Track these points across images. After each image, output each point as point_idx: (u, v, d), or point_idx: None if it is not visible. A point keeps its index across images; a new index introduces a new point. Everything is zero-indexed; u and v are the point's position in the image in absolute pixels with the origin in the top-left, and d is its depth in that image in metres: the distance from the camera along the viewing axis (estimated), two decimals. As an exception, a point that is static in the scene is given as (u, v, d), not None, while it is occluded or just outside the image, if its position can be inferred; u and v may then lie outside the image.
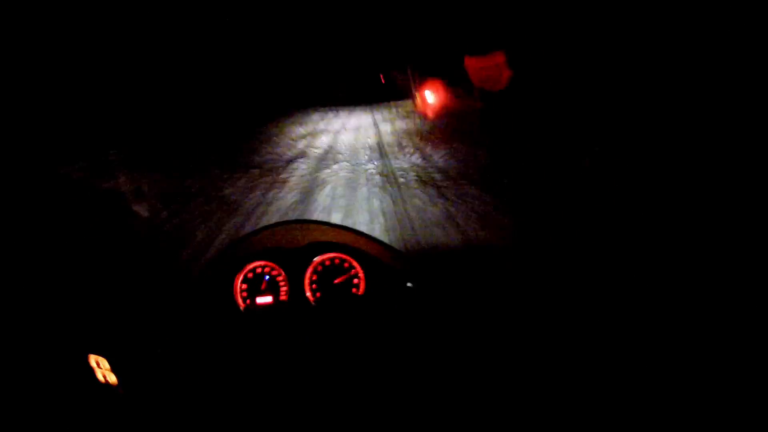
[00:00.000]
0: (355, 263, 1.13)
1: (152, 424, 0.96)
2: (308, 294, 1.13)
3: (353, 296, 1.13)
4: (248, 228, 2.99)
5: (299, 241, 1.17)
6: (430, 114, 10.79)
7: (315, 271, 1.15)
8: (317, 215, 3.30)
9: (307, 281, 1.14)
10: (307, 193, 3.93)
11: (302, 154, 6.11)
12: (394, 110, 13.45)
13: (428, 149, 5.96)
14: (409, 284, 1.08)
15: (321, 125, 10.44)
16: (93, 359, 1.01)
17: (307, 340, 1.04)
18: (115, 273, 1.71)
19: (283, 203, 3.70)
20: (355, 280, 1.14)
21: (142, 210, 3.48)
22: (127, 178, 4.25)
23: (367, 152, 6.05)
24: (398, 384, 0.98)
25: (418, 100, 13.35)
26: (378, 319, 1.10)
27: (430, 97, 12.93)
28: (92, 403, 1.02)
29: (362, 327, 1.09)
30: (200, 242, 2.66)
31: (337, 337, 1.07)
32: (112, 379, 0.99)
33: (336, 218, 3.27)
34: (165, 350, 1.03)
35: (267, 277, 1.16)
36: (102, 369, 0.99)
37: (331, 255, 1.14)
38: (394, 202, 3.41)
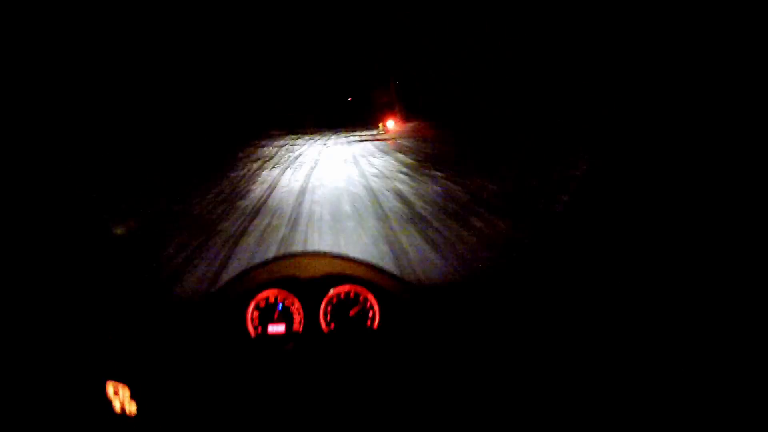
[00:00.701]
0: (370, 296, 1.16)
1: None
2: (323, 325, 1.16)
3: (368, 330, 1.17)
4: (260, 255, 2.94)
5: (316, 272, 1.19)
6: (393, 140, 11.29)
7: (330, 303, 1.16)
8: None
9: (321, 312, 1.16)
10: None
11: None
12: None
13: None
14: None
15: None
16: (112, 387, 0.99)
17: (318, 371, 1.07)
18: (128, 297, 1.63)
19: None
20: (370, 314, 1.16)
21: (148, 234, 3.35)
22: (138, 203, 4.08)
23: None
24: (407, 420, 1.01)
25: (382, 126, 14.29)
26: (391, 354, 1.13)
27: (391, 124, 13.98)
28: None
29: (375, 361, 1.11)
30: (213, 270, 2.64)
31: (350, 371, 1.08)
32: (132, 409, 0.98)
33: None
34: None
35: (280, 306, 1.17)
36: (120, 398, 0.99)
37: (347, 287, 1.17)
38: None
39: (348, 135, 12.96)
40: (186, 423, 1.01)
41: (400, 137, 11.24)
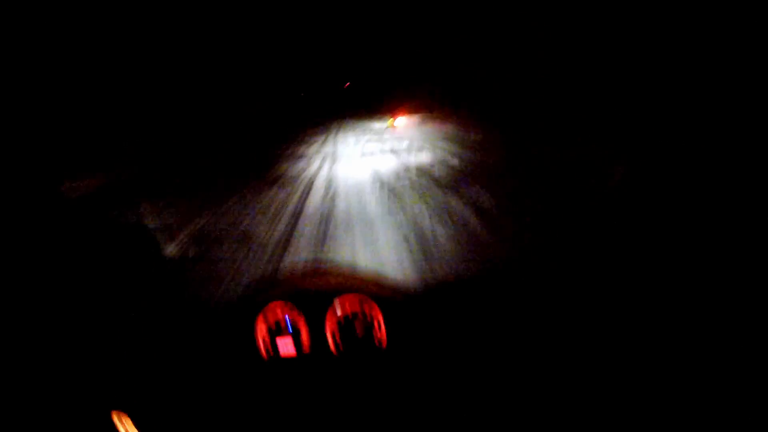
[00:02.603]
0: (379, 313, 1.16)
1: None
2: (330, 343, 1.15)
3: (376, 349, 1.15)
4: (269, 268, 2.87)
5: (324, 286, 1.18)
6: (403, 136, 11.18)
7: (338, 324, 1.16)
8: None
9: (328, 329, 1.15)
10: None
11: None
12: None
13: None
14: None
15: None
16: (116, 417, 0.98)
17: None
18: (135, 319, 1.63)
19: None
20: (377, 326, 1.16)
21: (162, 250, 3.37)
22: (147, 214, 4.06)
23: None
24: None
25: (391, 122, 13.99)
26: (399, 373, 1.12)
27: (403, 120, 13.68)
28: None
29: (383, 381, 1.11)
30: (224, 283, 2.53)
31: (357, 390, 1.08)
32: (135, 436, 0.96)
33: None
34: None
35: (288, 323, 1.16)
36: (124, 426, 0.97)
37: (352, 298, 1.16)
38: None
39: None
40: None
41: (413, 136, 11.07)
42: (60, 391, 1.02)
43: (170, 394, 1.03)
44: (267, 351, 1.13)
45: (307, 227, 3.85)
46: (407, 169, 6.23)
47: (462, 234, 3.32)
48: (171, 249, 3.42)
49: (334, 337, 1.13)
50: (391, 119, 14.19)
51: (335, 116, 15.99)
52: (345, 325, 1.15)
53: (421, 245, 3.10)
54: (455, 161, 6.66)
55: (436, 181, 5.29)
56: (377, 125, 14.30)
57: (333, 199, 4.89)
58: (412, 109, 14.55)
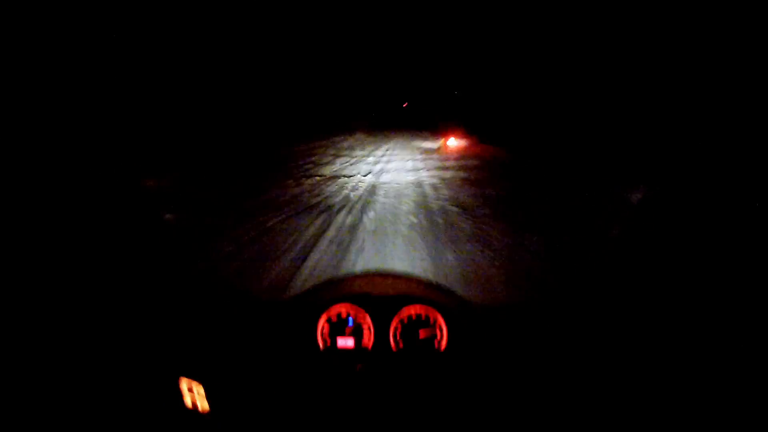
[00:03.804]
0: (440, 318, 1.15)
1: None
2: (392, 343, 1.15)
3: (435, 351, 1.15)
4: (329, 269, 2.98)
5: (388, 291, 1.20)
6: (453, 157, 11.24)
7: (400, 322, 1.16)
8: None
9: (392, 331, 1.15)
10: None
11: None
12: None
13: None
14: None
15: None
16: (185, 383, 1.02)
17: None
18: (206, 296, 1.75)
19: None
20: (438, 336, 1.15)
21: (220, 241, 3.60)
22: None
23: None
24: None
25: (443, 143, 14.26)
26: (457, 376, 1.11)
27: (454, 142, 13.91)
28: (177, 427, 1.03)
29: (442, 383, 1.10)
30: (286, 279, 2.68)
31: (416, 391, 1.08)
32: (204, 405, 1.00)
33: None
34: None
35: (351, 321, 1.18)
36: (194, 394, 1.01)
37: (418, 308, 1.17)
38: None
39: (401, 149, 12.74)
40: (254, 426, 1.02)
41: (462, 156, 11.09)
42: (130, 354, 1.09)
43: (237, 370, 1.07)
44: (326, 344, 1.15)
45: (371, 235, 3.91)
46: (467, 190, 6.24)
47: (514, 260, 3.25)
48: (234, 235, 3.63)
49: (395, 335, 1.14)
50: (443, 140, 14.46)
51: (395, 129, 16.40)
52: (408, 325, 1.15)
53: (484, 262, 3.08)
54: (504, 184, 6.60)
55: (490, 203, 5.23)
56: (430, 144, 14.52)
57: (398, 207, 4.99)
58: (463, 133, 14.72)
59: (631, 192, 4.68)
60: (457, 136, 14.60)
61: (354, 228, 4.11)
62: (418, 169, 8.73)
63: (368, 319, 1.16)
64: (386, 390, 1.07)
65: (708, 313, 1.35)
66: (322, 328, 1.17)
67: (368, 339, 1.15)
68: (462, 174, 7.96)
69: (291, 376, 1.11)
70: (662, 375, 1.09)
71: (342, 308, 1.18)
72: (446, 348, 1.14)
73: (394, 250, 3.44)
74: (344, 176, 7.57)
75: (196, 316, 1.30)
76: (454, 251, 3.36)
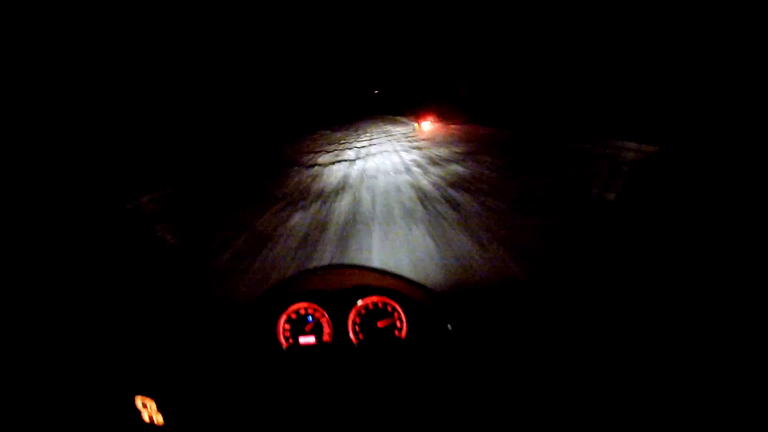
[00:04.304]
0: (397, 307, 1.15)
1: None
2: (351, 336, 1.14)
3: (396, 339, 1.14)
4: (290, 268, 2.90)
5: (343, 284, 1.18)
6: (427, 138, 11.28)
7: (358, 314, 1.15)
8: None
9: (350, 323, 1.14)
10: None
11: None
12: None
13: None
14: (449, 326, 1.10)
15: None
16: (140, 400, 1.00)
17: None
18: (158, 310, 1.69)
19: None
20: (398, 324, 1.15)
21: (178, 245, 3.47)
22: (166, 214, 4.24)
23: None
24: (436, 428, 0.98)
25: (418, 126, 14.39)
26: (419, 362, 1.11)
27: (426, 126, 14.04)
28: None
29: (404, 370, 1.09)
30: (244, 281, 2.62)
31: (379, 380, 1.07)
32: (159, 419, 0.98)
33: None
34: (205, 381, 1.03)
35: (311, 318, 1.17)
36: (149, 410, 0.99)
37: (375, 298, 1.15)
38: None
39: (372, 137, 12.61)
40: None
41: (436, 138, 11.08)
42: (85, 375, 1.05)
43: (192, 381, 1.05)
44: (288, 343, 1.14)
45: (331, 227, 3.87)
46: (431, 169, 6.21)
47: (482, 237, 3.25)
48: (195, 249, 3.51)
49: (354, 327, 1.13)
50: (418, 124, 14.57)
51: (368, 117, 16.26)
52: (366, 316, 1.14)
53: (444, 246, 3.04)
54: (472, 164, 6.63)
55: (459, 182, 5.24)
56: (405, 129, 14.47)
57: (359, 201, 4.90)
58: (434, 117, 14.81)
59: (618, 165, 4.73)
60: (427, 119, 14.73)
61: (326, 222, 4.09)
62: (397, 151, 8.74)
63: (326, 315, 1.15)
64: (351, 382, 1.07)
65: (704, 297, 1.36)
66: (283, 327, 1.16)
67: (328, 334, 1.14)
68: (440, 153, 7.98)
69: (256, 377, 1.10)
70: (654, 371, 1.10)
71: (300, 306, 1.17)
72: (407, 335, 1.14)
73: (366, 241, 3.41)
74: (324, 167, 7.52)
75: (155, 328, 1.26)
76: (433, 234, 3.35)
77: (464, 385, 1.05)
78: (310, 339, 1.15)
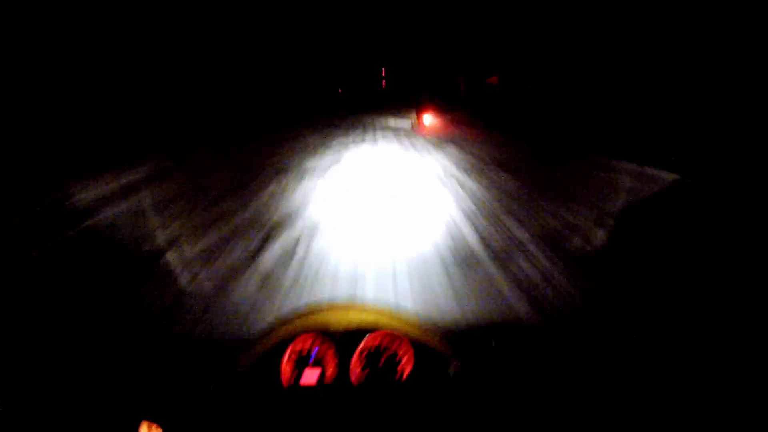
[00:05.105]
0: (404, 348, 1.14)
1: None
2: (353, 376, 1.15)
3: (401, 381, 1.13)
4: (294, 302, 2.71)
5: (349, 322, 1.18)
6: (427, 134, 11.18)
7: (362, 353, 1.15)
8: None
9: (353, 363, 1.15)
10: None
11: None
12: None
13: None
14: (493, 343, 1.09)
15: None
16: (145, 427, 1.01)
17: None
18: (162, 341, 1.67)
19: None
20: (401, 366, 1.13)
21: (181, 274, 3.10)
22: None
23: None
24: None
25: (416, 121, 14.04)
26: (421, 406, 1.12)
27: (427, 119, 13.71)
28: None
29: (407, 414, 1.11)
30: (246, 314, 2.41)
31: (381, 423, 1.08)
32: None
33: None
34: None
35: (314, 354, 1.16)
36: (152, 439, 1.00)
37: (380, 337, 1.15)
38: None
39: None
40: None
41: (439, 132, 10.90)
42: (91, 400, 1.05)
43: (196, 412, 1.05)
44: (288, 381, 1.14)
45: (332, 260, 3.38)
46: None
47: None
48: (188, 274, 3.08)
49: (359, 366, 1.14)
50: (416, 119, 14.23)
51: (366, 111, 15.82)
52: (369, 356, 1.14)
53: (455, 282, 2.90)
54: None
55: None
56: (404, 123, 14.23)
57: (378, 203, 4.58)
58: (434, 110, 14.58)
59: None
60: (428, 112, 14.42)
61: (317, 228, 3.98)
62: (400, 149, 8.54)
63: (332, 351, 1.14)
64: (352, 424, 1.07)
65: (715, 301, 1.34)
66: (287, 364, 1.15)
67: (331, 374, 1.15)
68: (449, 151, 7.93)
69: (255, 415, 1.10)
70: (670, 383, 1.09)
71: (306, 339, 1.16)
72: (408, 378, 1.15)
73: (373, 275, 3.15)
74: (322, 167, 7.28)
75: (158, 359, 1.25)
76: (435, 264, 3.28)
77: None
78: (311, 378, 1.14)
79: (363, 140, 10.16)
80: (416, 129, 12.64)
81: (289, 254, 3.44)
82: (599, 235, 3.68)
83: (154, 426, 1.01)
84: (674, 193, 4.60)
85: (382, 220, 4.28)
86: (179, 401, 1.08)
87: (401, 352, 1.14)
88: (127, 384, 1.09)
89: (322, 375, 1.13)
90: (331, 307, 1.20)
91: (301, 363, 1.14)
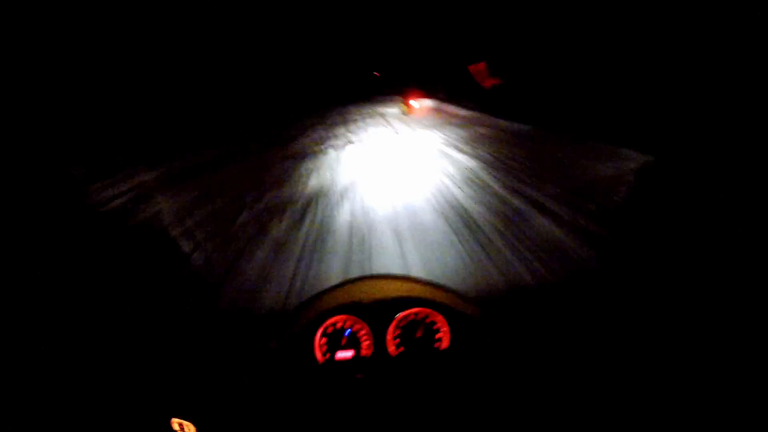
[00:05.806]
0: (439, 318, 1.12)
1: None
2: (390, 349, 1.10)
3: (436, 351, 1.11)
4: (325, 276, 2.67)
5: (382, 295, 1.14)
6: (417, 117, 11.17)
7: (398, 326, 1.11)
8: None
9: (389, 336, 1.10)
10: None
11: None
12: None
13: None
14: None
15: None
16: (176, 423, 0.95)
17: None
18: (190, 327, 1.60)
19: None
20: (438, 335, 1.12)
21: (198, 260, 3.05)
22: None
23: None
24: None
25: (404, 105, 14.01)
26: (461, 374, 1.08)
27: (416, 103, 13.70)
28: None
29: (445, 383, 1.07)
30: (274, 294, 2.31)
31: (419, 393, 1.05)
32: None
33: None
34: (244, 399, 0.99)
35: (348, 332, 1.12)
36: (185, 434, 0.94)
37: (416, 309, 1.12)
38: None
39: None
40: None
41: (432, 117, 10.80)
42: (121, 396, 1.00)
43: (229, 402, 1.01)
44: (325, 358, 1.10)
45: (356, 237, 3.42)
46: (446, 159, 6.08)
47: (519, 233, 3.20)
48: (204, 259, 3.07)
49: (394, 340, 1.10)
50: (405, 104, 14.10)
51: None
52: (406, 327, 1.11)
53: (474, 247, 2.92)
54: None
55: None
56: (393, 110, 14.13)
57: (370, 210, 4.16)
58: (424, 94, 14.48)
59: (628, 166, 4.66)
60: (416, 97, 14.39)
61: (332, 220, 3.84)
62: (393, 138, 8.37)
63: (366, 328, 1.11)
64: (389, 397, 1.04)
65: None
66: (320, 342, 1.11)
67: (367, 348, 1.11)
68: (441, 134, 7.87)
69: (291, 395, 1.06)
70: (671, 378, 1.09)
71: (338, 319, 1.12)
72: (448, 346, 1.11)
73: (395, 248, 3.17)
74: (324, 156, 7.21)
75: (189, 345, 1.20)
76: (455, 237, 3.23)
77: (509, 400, 1.03)
78: (347, 353, 1.11)
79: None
80: (407, 113, 12.64)
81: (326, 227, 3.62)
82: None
83: (185, 423, 0.95)
84: (649, 173, 4.56)
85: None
86: (211, 396, 1.03)
87: (438, 323, 1.12)
88: (156, 380, 1.02)
89: (358, 349, 1.09)
90: (361, 281, 1.15)
91: (336, 338, 1.10)
